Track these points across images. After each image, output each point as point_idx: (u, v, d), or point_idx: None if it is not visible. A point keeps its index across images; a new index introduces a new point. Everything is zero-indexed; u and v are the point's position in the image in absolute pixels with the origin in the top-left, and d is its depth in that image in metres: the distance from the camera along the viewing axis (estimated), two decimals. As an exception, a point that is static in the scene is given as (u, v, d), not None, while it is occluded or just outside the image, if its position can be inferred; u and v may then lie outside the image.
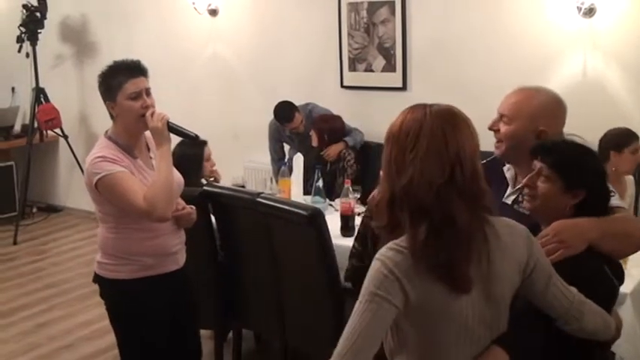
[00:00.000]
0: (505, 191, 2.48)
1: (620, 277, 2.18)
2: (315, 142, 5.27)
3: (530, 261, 1.84)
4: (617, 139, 4.08)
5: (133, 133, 2.90)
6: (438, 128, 1.72)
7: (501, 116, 2.43)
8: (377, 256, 1.74)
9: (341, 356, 1.67)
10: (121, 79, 2.82)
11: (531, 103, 2.40)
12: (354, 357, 1.67)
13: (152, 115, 2.83)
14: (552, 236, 2.04)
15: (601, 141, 4.15)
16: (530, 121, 2.36)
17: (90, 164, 2.80)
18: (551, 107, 2.42)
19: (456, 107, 1.80)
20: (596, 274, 2.02)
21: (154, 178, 2.83)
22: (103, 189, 2.77)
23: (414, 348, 1.80)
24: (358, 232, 2.67)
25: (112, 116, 2.90)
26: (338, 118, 5.38)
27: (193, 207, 3.09)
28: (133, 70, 2.86)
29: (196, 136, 2.99)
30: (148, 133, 2.94)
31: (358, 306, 1.71)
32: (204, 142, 4.13)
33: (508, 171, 2.50)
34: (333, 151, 5.26)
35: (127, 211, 2.80)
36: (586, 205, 2.08)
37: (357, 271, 2.49)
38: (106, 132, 2.93)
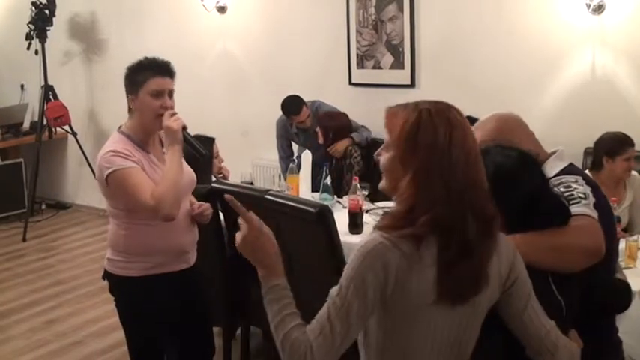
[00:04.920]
0: None
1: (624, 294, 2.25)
2: (320, 140, 5.27)
3: (511, 274, 1.76)
4: (610, 146, 4.02)
5: (147, 129, 2.90)
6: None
7: None
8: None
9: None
10: (147, 74, 2.84)
11: None
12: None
13: (170, 115, 2.83)
14: None
15: (596, 145, 4.10)
16: None
17: (102, 158, 2.80)
18: None
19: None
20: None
21: (162, 176, 2.81)
22: (113, 183, 2.77)
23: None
24: None
25: (130, 110, 2.91)
26: (343, 115, 5.38)
27: (208, 204, 3.09)
28: (161, 68, 2.88)
29: (205, 154, 3.00)
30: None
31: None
32: (212, 139, 4.14)
33: None
34: (340, 146, 5.25)
35: (134, 207, 2.80)
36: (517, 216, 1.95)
37: None
38: (120, 127, 2.94)
